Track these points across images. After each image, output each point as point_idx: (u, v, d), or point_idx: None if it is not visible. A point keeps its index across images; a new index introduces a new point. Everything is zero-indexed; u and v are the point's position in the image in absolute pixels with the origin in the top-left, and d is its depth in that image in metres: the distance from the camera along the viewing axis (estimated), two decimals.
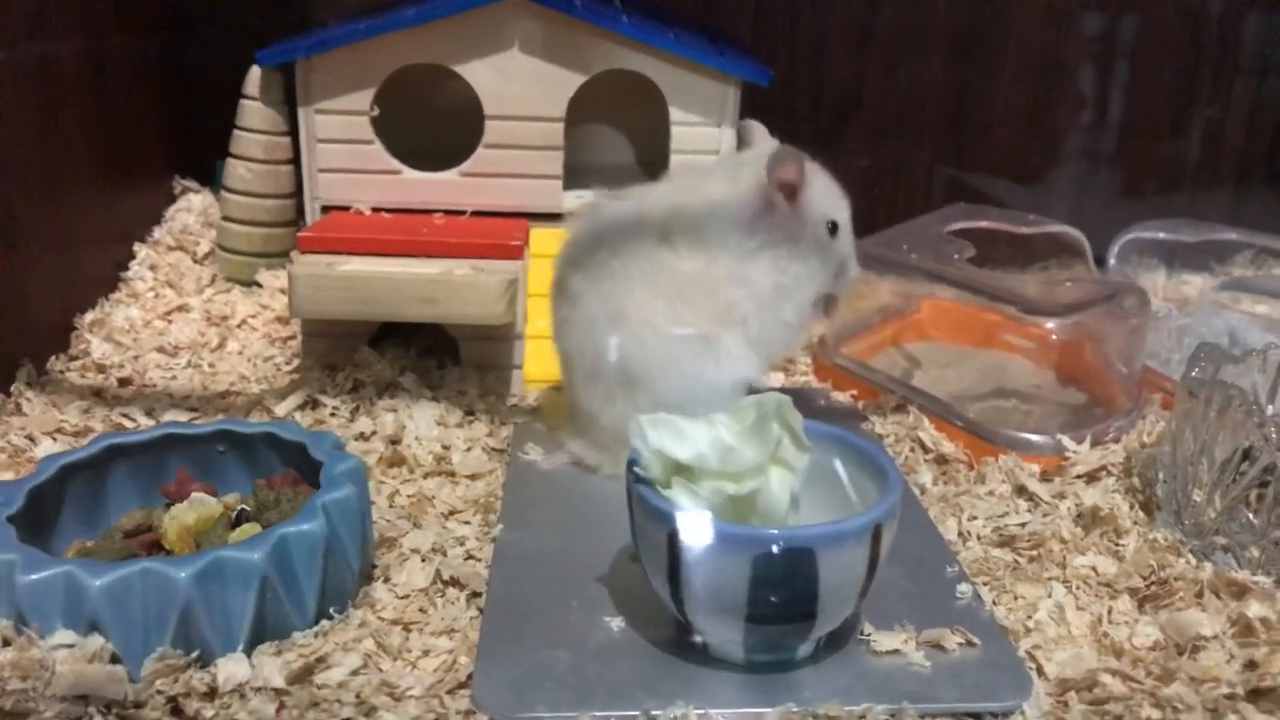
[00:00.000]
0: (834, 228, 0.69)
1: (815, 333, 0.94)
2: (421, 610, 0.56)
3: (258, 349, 0.87)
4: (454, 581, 0.59)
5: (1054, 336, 0.74)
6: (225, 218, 0.93)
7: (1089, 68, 1.15)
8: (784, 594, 0.47)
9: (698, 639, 0.52)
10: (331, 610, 0.53)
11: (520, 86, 0.89)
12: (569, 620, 0.55)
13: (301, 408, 0.77)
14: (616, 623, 0.54)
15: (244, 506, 0.58)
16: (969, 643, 0.53)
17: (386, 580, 0.58)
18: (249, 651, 0.49)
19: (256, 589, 0.48)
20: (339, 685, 0.48)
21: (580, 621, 0.54)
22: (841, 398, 0.85)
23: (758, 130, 0.74)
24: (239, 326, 0.90)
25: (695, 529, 0.47)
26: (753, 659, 0.51)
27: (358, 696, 0.47)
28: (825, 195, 0.69)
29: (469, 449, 0.74)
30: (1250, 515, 0.57)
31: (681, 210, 0.68)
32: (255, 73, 0.90)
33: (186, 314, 0.89)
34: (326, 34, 0.87)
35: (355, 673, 0.49)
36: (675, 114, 0.91)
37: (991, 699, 0.50)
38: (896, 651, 0.52)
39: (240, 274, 0.94)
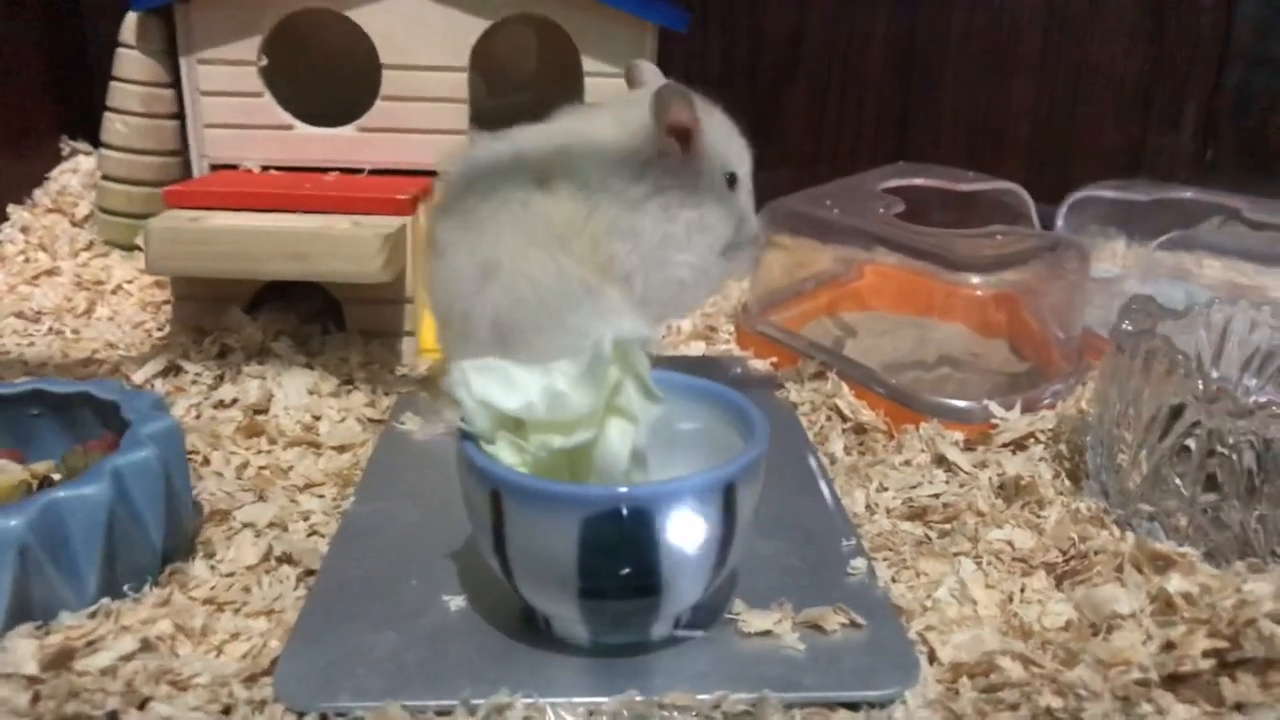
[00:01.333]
0: (732, 180, 0.63)
1: (727, 290, 0.88)
2: (245, 589, 0.50)
3: (129, 315, 0.80)
4: (286, 558, 0.52)
5: (979, 293, 0.68)
6: (104, 176, 0.86)
7: (1046, 23, 1.08)
8: (619, 563, 0.41)
9: (541, 619, 0.45)
10: (126, 588, 0.47)
11: (419, 33, 0.83)
12: (404, 599, 0.48)
13: (163, 374, 0.71)
14: (456, 602, 0.48)
15: (54, 474, 0.52)
16: (853, 623, 0.46)
17: (209, 556, 0.52)
18: (6, 633, 0.42)
19: (14, 561, 0.42)
20: (103, 672, 0.41)
21: (416, 601, 0.48)
22: (759, 365, 0.78)
23: (648, 70, 0.67)
24: (113, 292, 0.83)
25: (520, 489, 0.41)
26: (600, 641, 0.44)
27: (128, 685, 0.41)
28: (723, 141, 0.63)
29: (342, 419, 0.68)
30: (1177, 480, 0.50)
31: (562, 151, 0.61)
32: (131, 18, 0.83)
33: (55, 278, 0.83)
34: None
35: (128, 658, 0.42)
36: (588, 63, 0.85)
37: (870, 686, 0.43)
38: (768, 633, 0.46)
39: (120, 237, 0.88)
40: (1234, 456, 0.47)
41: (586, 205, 0.60)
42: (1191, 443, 0.49)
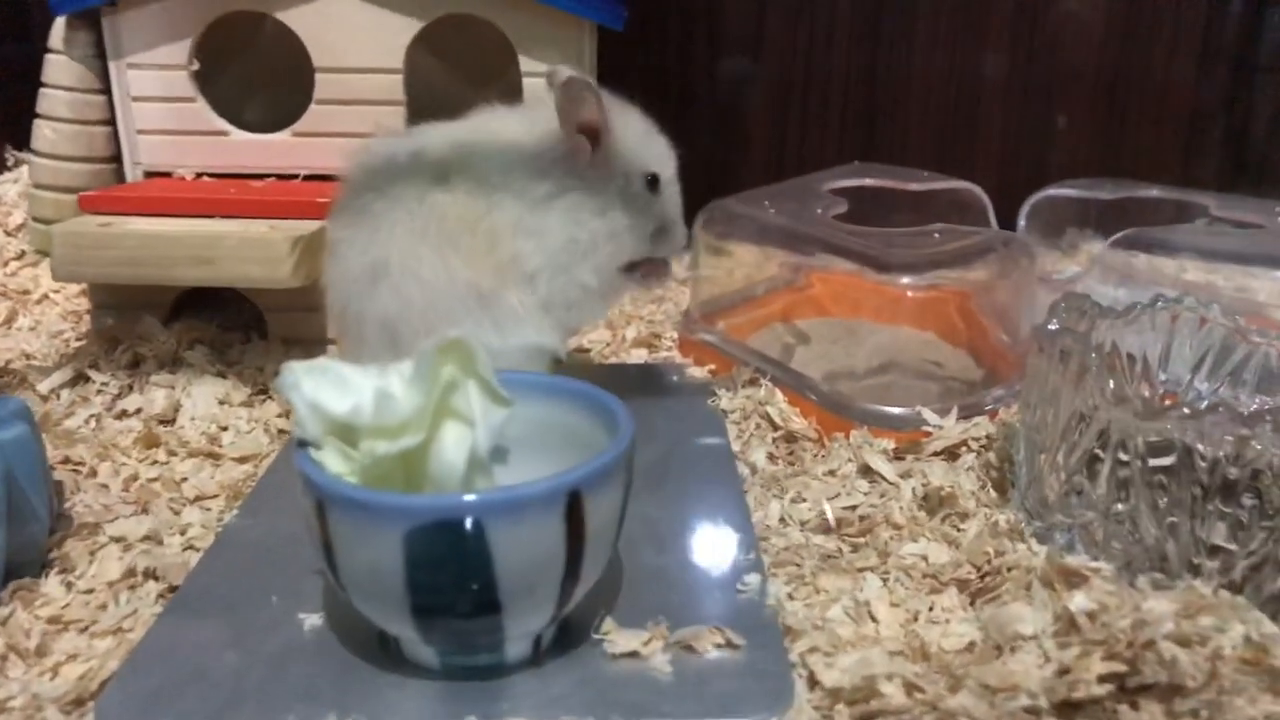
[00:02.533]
0: (653, 181, 0.60)
1: (676, 297, 0.85)
2: (100, 607, 0.48)
3: (50, 325, 0.78)
4: (151, 574, 0.50)
5: (909, 294, 0.64)
6: (35, 184, 0.85)
7: (1016, 21, 1.05)
8: (451, 580, 0.38)
9: (392, 640, 0.42)
10: None
11: (350, 34, 0.81)
12: (258, 617, 0.45)
13: (72, 384, 0.69)
14: (311, 621, 0.45)
15: None
16: (729, 644, 0.43)
17: (67, 571, 0.50)
18: None
19: None
20: None
21: (270, 619, 0.45)
22: (696, 372, 0.75)
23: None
24: (38, 302, 0.81)
25: (340, 498, 0.38)
26: (450, 663, 0.41)
27: None
28: (640, 142, 0.59)
29: (250, 430, 0.65)
30: (1090, 488, 0.46)
31: (464, 148, 0.59)
32: (59, 23, 0.82)
33: None
34: None
35: None
36: (525, 63, 0.82)
37: (735, 713, 0.40)
38: (635, 654, 0.42)
39: (50, 246, 0.86)
40: (1138, 462, 0.43)
41: (485, 202, 0.57)
42: (1102, 450, 0.45)
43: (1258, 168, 1.07)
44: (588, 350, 0.82)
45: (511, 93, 0.85)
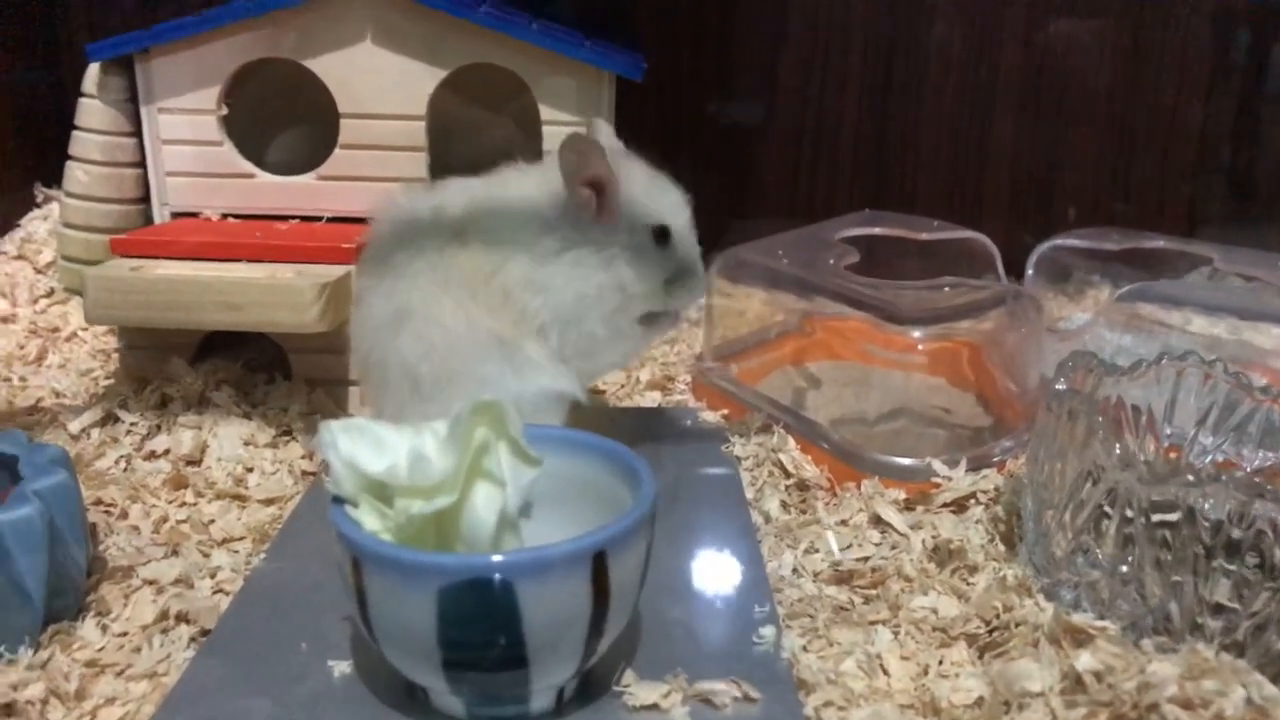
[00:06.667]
0: (663, 234, 0.61)
1: (689, 339, 0.87)
2: (135, 650, 0.49)
3: (80, 363, 0.80)
4: (184, 618, 0.51)
5: (920, 347, 0.66)
6: (65, 224, 0.87)
7: (1025, 66, 1.07)
8: (481, 635, 0.39)
9: (420, 690, 0.44)
10: (1, 649, 0.46)
11: (376, 82, 0.83)
12: (289, 663, 0.47)
13: (102, 424, 0.71)
14: (342, 668, 0.46)
15: None
16: (746, 697, 0.44)
17: (102, 614, 0.51)
18: None
19: None
20: None
21: (302, 665, 0.47)
22: (710, 417, 0.76)
23: (602, 129, 0.66)
24: (67, 340, 0.83)
25: (376, 556, 0.39)
26: (476, 713, 0.43)
27: None
28: (648, 195, 0.61)
29: (274, 472, 0.67)
30: (1096, 547, 0.48)
31: (479, 204, 0.61)
32: (93, 69, 0.84)
33: (10, 325, 0.83)
34: (163, 27, 0.81)
35: None
36: (545, 111, 0.84)
37: None
38: (655, 706, 0.44)
39: (79, 284, 0.87)
40: (1142, 519, 0.45)
41: (497, 258, 0.59)
42: (1110, 508, 0.47)
43: (1266, 202, 1.08)
44: (602, 392, 0.83)
45: (525, 116, 0.87)
